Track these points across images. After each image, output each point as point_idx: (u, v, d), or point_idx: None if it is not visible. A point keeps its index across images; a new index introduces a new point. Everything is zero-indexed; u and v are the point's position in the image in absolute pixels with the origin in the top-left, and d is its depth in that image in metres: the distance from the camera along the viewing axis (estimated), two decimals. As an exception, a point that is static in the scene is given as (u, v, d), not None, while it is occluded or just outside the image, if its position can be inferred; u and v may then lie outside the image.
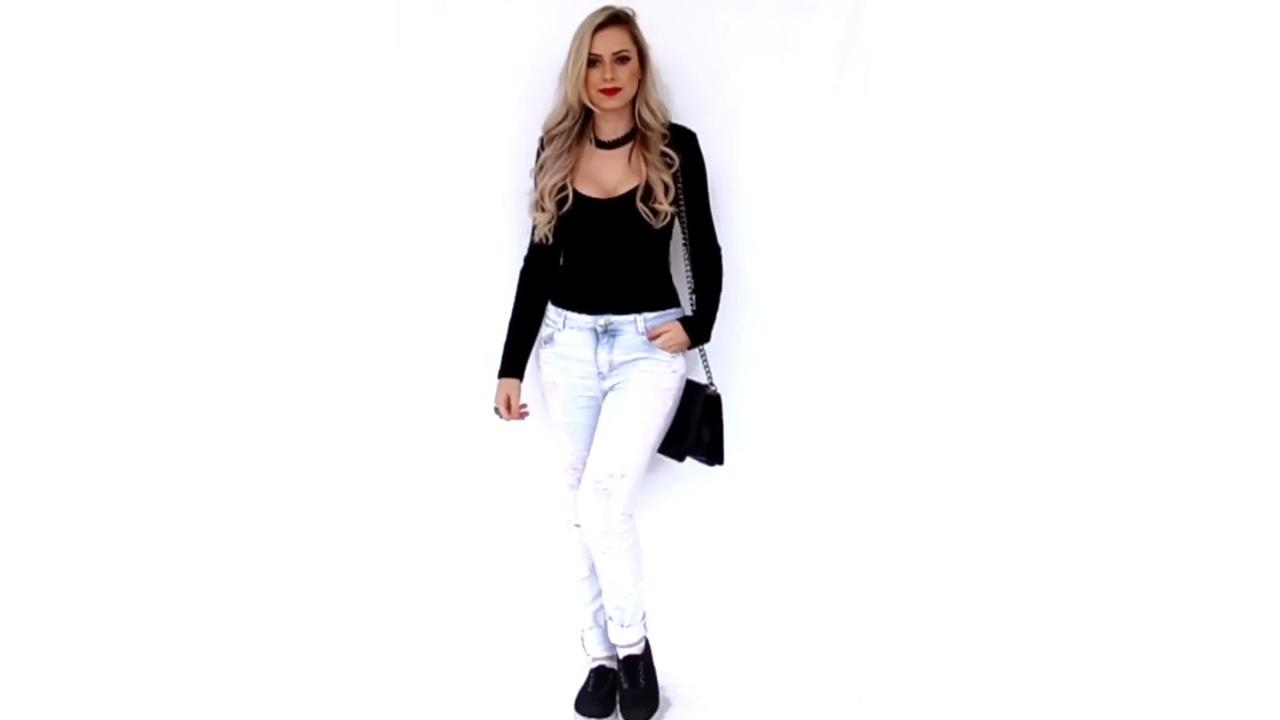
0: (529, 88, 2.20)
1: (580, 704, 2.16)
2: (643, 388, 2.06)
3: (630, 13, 2.02)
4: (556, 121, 2.06)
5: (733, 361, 2.28)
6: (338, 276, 2.26)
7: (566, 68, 2.01)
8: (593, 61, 1.98)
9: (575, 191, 2.04)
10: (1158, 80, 2.05)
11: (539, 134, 2.12)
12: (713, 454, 2.15)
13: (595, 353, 2.08)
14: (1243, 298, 2.04)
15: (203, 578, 2.26)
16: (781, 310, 2.31)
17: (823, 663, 2.28)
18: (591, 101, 2.00)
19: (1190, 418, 2.07)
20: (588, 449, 2.11)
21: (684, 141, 2.07)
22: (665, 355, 2.08)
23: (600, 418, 2.10)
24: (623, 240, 2.05)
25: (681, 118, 2.15)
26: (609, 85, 1.97)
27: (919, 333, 2.21)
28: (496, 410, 2.14)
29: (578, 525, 2.13)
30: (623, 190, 2.04)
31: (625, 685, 2.14)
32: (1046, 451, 2.15)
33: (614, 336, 2.07)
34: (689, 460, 2.16)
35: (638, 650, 2.17)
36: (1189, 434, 2.07)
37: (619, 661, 2.18)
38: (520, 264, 2.17)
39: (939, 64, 2.15)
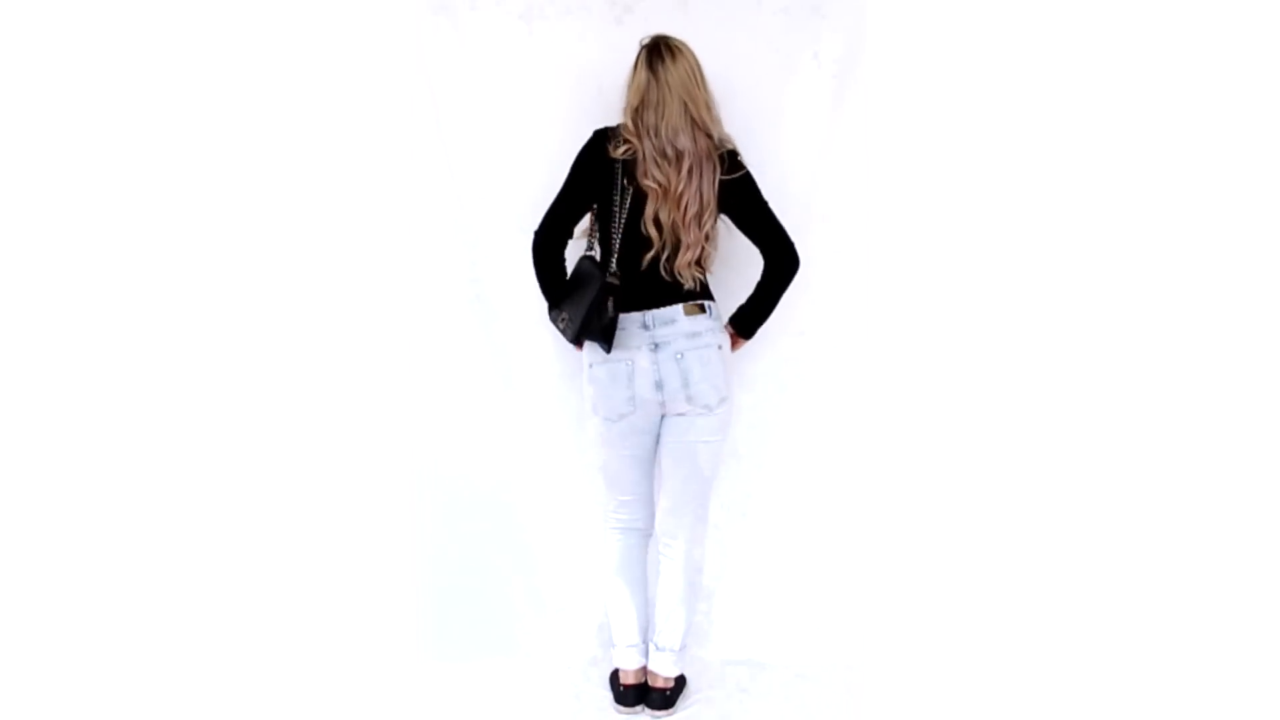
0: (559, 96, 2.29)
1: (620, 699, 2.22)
2: None
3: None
4: None
5: (741, 371, 2.36)
6: (359, 279, 2.27)
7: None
8: None
9: None
10: (1158, 103, 2.07)
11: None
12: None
13: None
14: (1248, 299, 2.05)
15: (222, 581, 2.25)
16: (788, 321, 2.36)
17: (836, 658, 2.35)
18: None
19: (1194, 423, 2.09)
20: None
21: None
22: None
23: None
24: None
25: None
26: None
27: (927, 342, 2.23)
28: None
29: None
30: None
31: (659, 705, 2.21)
32: (1052, 450, 2.15)
33: None
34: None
35: (670, 684, 2.22)
36: (1193, 438, 2.09)
37: (652, 690, 2.22)
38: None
39: (939, 86, 2.17)
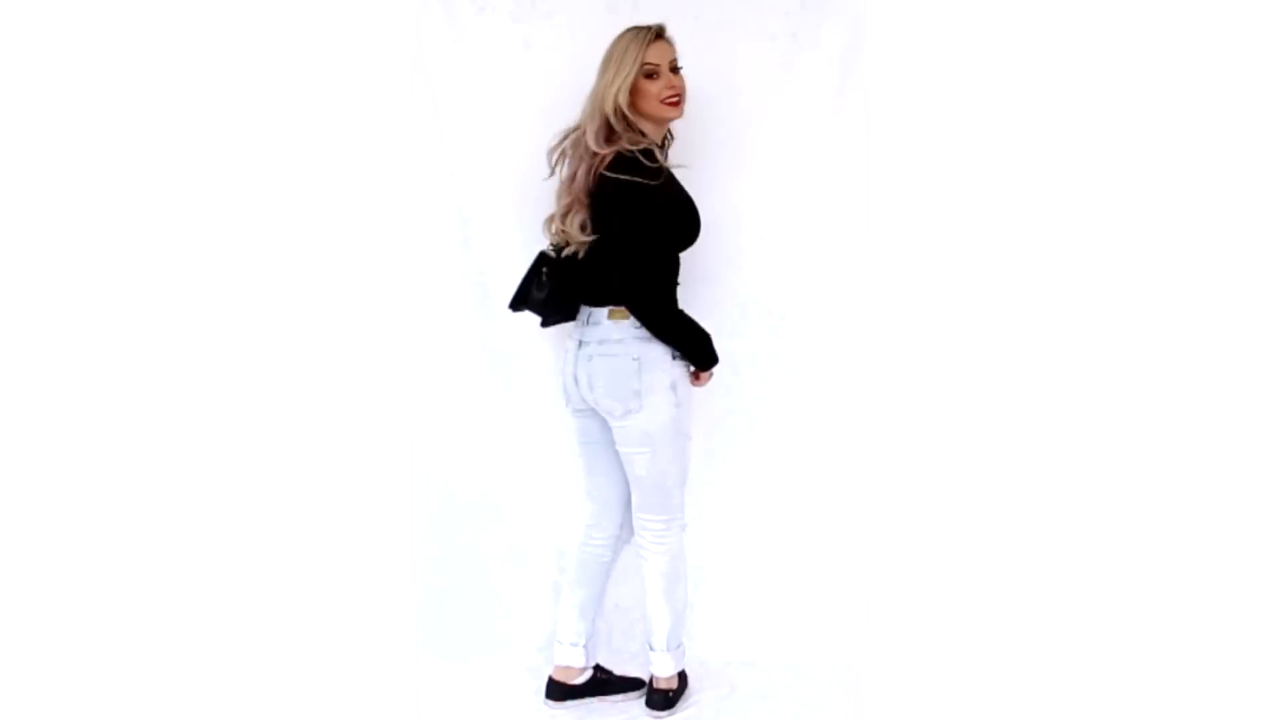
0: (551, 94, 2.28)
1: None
2: None
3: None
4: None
5: (741, 377, 2.37)
6: (357, 280, 2.27)
7: (612, 81, 1.99)
8: (650, 73, 1.99)
9: None
10: (1159, 100, 2.07)
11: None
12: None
13: None
14: (1246, 299, 2.06)
15: (221, 580, 2.23)
16: (785, 326, 2.38)
17: (831, 656, 2.35)
18: (658, 115, 2.03)
19: (1193, 422, 2.10)
20: None
21: None
22: None
23: None
24: None
25: (685, 140, 2.21)
26: (675, 93, 2.01)
27: (924, 339, 2.24)
28: None
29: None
30: None
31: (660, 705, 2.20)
32: (1048, 446, 2.16)
33: None
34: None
35: (672, 684, 2.21)
36: (1192, 438, 2.10)
37: (654, 691, 2.21)
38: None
39: (940, 86, 2.17)
